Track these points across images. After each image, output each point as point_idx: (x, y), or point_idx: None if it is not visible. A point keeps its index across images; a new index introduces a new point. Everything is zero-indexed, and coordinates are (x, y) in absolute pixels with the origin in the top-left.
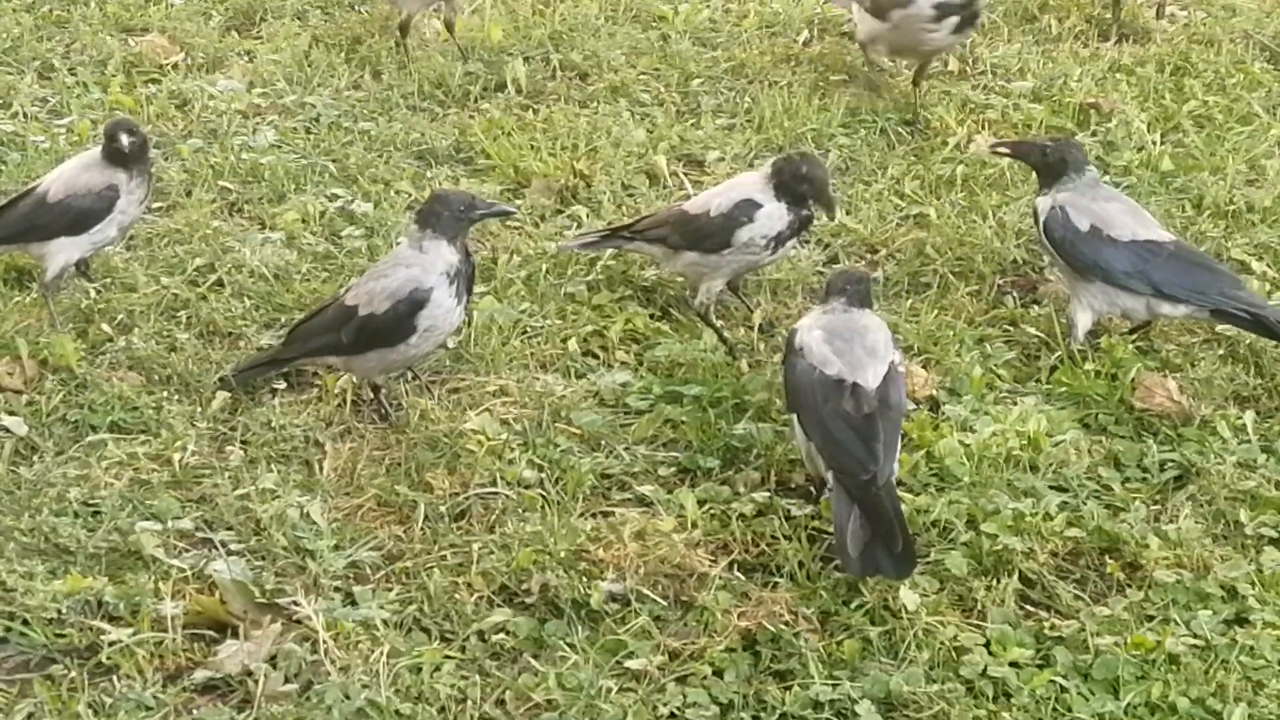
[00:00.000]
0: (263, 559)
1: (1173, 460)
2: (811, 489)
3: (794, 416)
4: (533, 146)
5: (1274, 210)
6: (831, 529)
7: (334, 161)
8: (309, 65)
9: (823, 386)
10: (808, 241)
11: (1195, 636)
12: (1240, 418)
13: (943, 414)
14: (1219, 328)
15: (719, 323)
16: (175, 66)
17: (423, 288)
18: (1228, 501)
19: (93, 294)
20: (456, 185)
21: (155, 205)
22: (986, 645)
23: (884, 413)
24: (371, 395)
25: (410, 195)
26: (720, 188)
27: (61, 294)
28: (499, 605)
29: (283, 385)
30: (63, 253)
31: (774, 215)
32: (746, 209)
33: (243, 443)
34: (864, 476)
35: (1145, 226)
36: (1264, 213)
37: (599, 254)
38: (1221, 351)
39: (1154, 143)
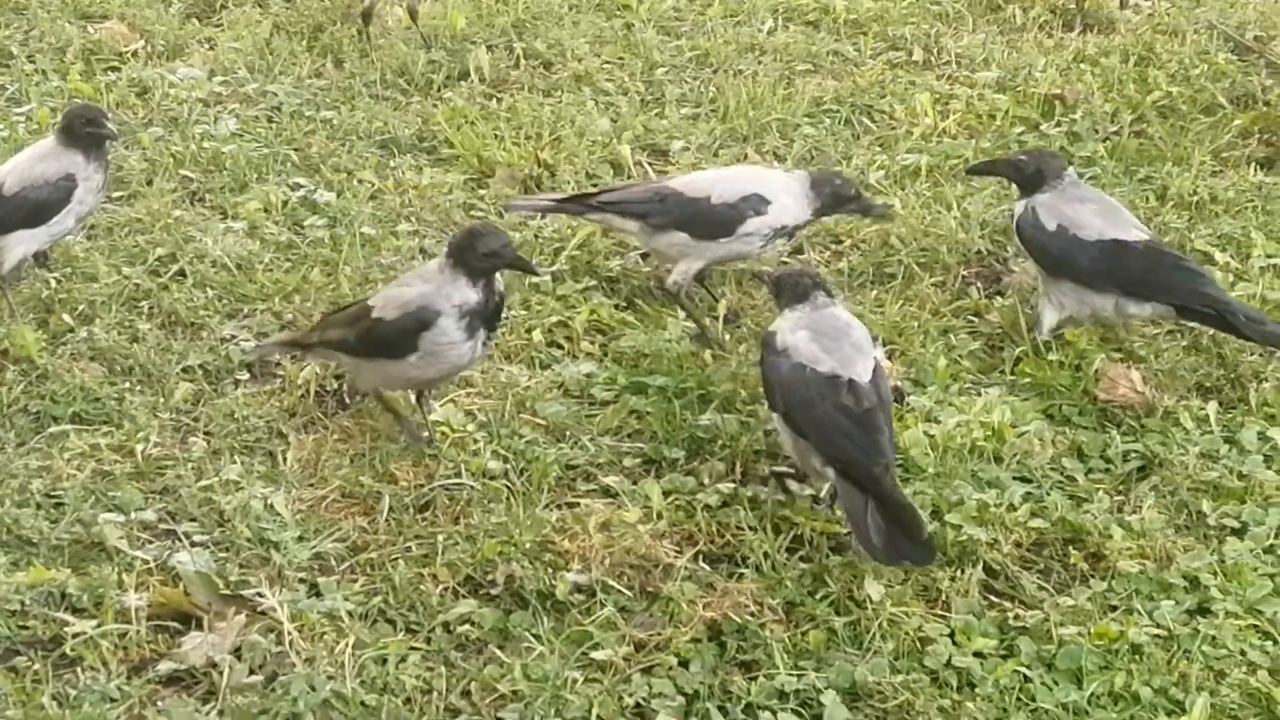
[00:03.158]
0: (226, 550)
1: (1136, 451)
2: (812, 490)
3: (778, 417)
4: (496, 135)
5: (1237, 201)
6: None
7: (296, 150)
8: (270, 53)
9: (817, 384)
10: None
11: (1158, 626)
12: (1203, 408)
13: (907, 405)
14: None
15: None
16: (135, 54)
17: (430, 308)
18: (1190, 492)
19: (53, 284)
20: (421, 173)
21: (116, 194)
22: (951, 635)
23: (882, 407)
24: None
25: (373, 184)
26: (726, 174)
27: (21, 284)
28: (464, 596)
29: (246, 376)
30: (20, 245)
31: (788, 209)
32: (755, 203)
33: (206, 434)
34: (877, 468)
35: (1116, 226)
36: (1227, 203)
37: (563, 241)
38: (1185, 343)
39: (1118, 133)
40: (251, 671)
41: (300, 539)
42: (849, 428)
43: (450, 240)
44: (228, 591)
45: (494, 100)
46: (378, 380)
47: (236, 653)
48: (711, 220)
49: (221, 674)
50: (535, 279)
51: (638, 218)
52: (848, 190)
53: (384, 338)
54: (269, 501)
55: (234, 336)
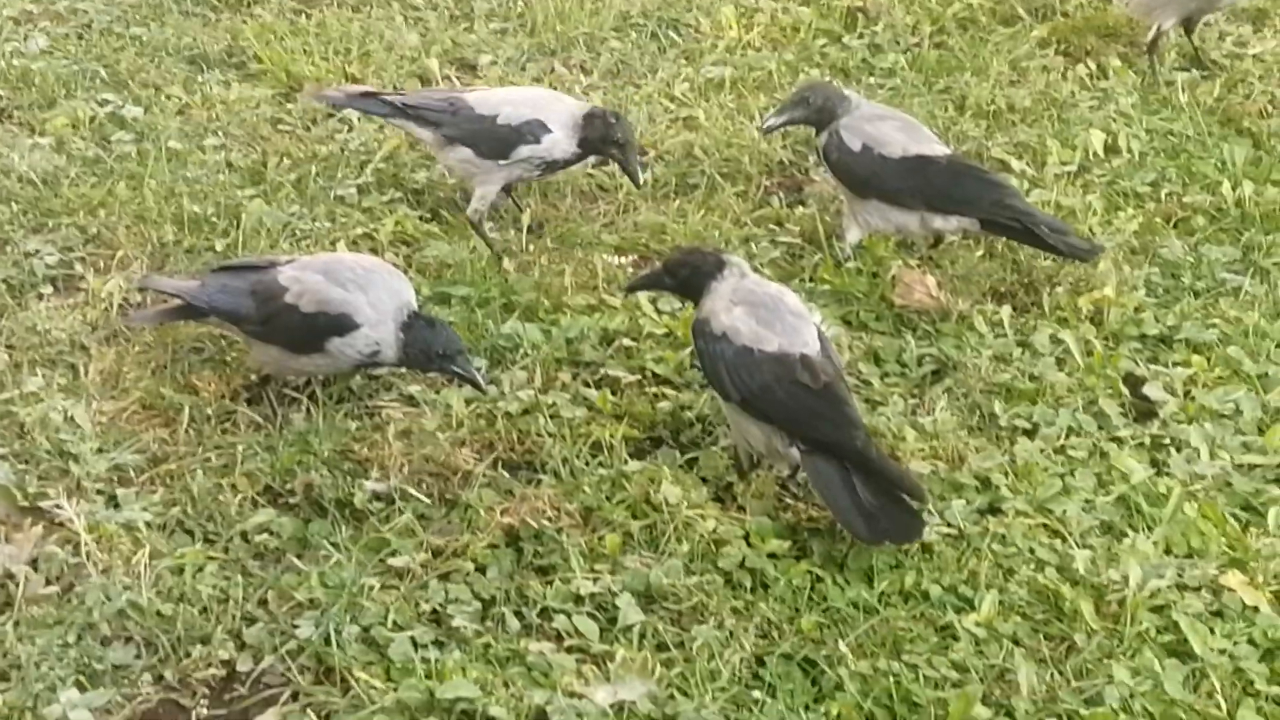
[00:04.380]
0: (26, 463)
1: (930, 355)
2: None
3: (733, 406)
4: (305, 51)
5: (1034, 110)
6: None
7: (105, 67)
8: None
9: (769, 365)
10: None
11: (949, 526)
12: (997, 313)
13: None
14: None
15: (489, 228)
16: None
17: (353, 319)
18: (983, 394)
19: None
20: (229, 88)
21: None
22: (745, 538)
23: (839, 376)
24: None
25: (181, 100)
26: (518, 95)
27: None
28: (263, 506)
29: (49, 290)
30: None
31: (559, 144)
32: (536, 129)
33: (7, 347)
34: (858, 442)
35: (918, 142)
36: (1024, 112)
37: (369, 154)
38: (980, 251)
39: (918, 45)
40: (48, 582)
41: (100, 451)
42: (815, 404)
43: (415, 324)
44: (25, 503)
45: (303, 16)
46: (267, 363)
47: (33, 564)
48: (494, 139)
49: (18, 585)
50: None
51: (432, 125)
52: (613, 133)
53: (290, 327)
54: (69, 414)
55: (38, 250)
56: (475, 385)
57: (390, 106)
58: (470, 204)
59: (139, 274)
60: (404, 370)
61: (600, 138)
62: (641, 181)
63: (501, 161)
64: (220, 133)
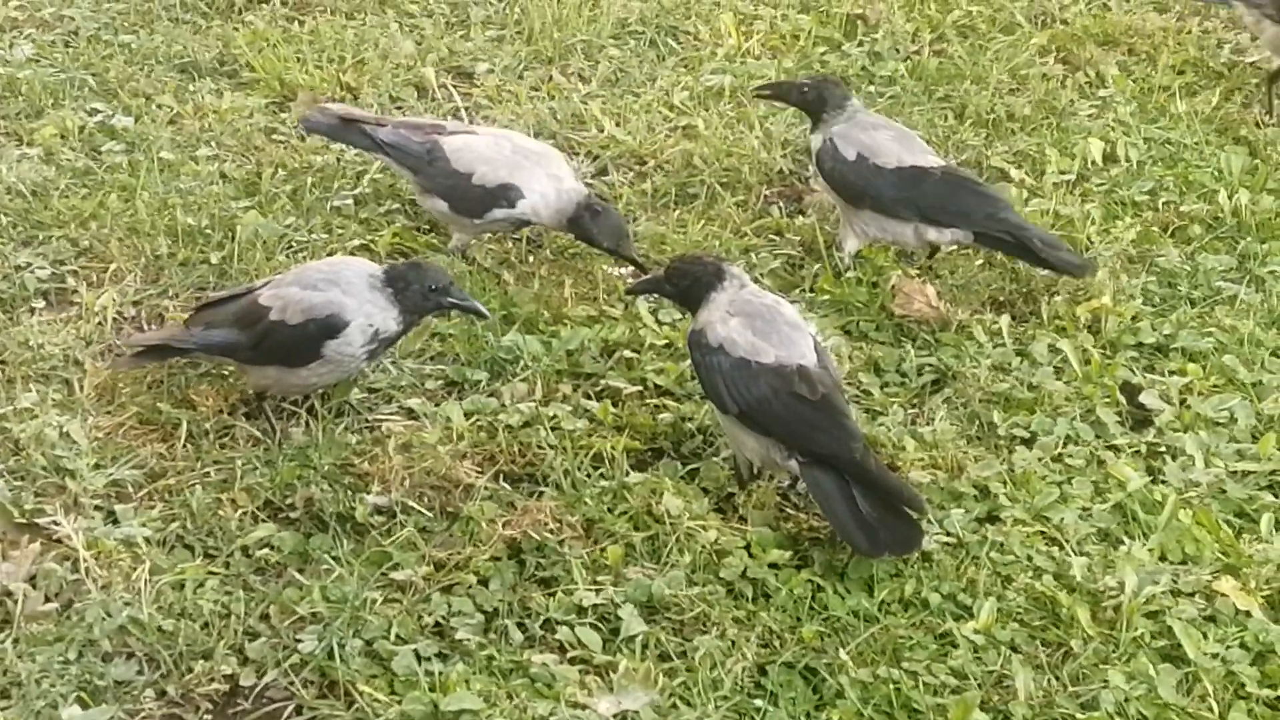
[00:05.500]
0: (21, 479)
1: (930, 364)
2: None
3: (730, 418)
4: (298, 59)
5: (1033, 118)
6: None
7: (94, 75)
8: None
9: (766, 377)
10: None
11: (948, 534)
12: (996, 322)
13: None
14: None
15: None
16: None
17: (341, 317)
18: (982, 403)
19: None
20: (221, 97)
21: None
22: (747, 548)
23: (836, 387)
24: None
25: (172, 109)
26: (497, 152)
27: None
28: (263, 520)
29: (41, 304)
30: None
31: (535, 209)
32: (510, 193)
33: (0, 362)
34: (856, 454)
35: (913, 153)
36: (1023, 121)
37: (365, 164)
38: (979, 261)
39: (918, 52)
40: (47, 599)
41: (97, 466)
42: (813, 417)
43: (394, 270)
44: (22, 520)
45: (295, 23)
46: (271, 386)
47: (31, 581)
48: (468, 198)
49: (16, 602)
50: (479, 318)
51: (409, 170)
52: (600, 241)
53: (283, 343)
54: (64, 429)
55: (29, 264)
56: (476, 313)
57: (371, 141)
58: (450, 243)
59: (133, 289)
60: (405, 380)
61: (585, 236)
62: (647, 268)
63: (476, 220)
64: (213, 143)
